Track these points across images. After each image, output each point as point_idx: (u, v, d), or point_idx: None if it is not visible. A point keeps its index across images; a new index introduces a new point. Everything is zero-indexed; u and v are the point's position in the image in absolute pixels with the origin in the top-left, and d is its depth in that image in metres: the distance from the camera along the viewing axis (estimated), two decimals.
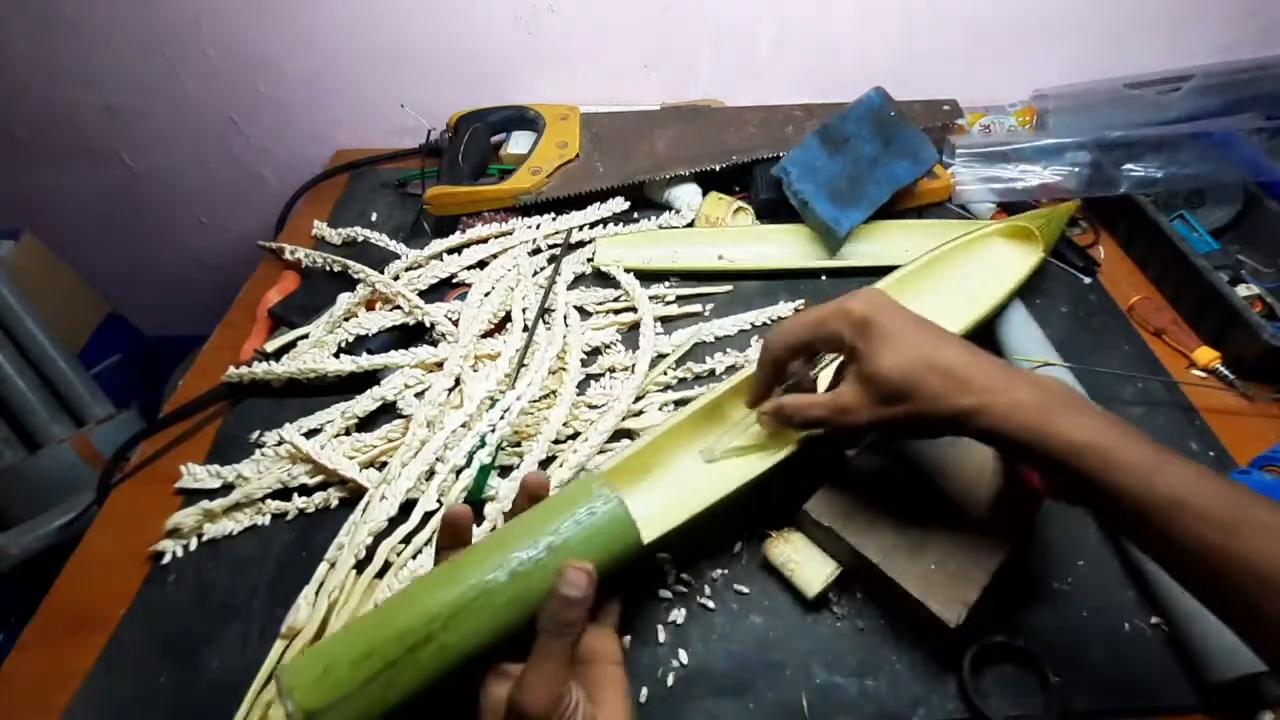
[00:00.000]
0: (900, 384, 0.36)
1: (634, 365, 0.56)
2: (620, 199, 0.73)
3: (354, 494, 0.49)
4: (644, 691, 0.40)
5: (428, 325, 0.60)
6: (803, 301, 0.64)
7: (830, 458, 0.47)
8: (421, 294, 0.63)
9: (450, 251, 0.67)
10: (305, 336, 0.60)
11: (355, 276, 0.63)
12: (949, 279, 0.58)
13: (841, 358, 0.41)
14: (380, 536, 0.45)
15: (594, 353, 0.59)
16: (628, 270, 0.65)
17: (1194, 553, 0.30)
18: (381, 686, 0.30)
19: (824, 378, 0.45)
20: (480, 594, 0.32)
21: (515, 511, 0.37)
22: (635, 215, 0.73)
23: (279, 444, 0.52)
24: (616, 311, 0.63)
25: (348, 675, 0.30)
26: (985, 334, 0.58)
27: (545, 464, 0.50)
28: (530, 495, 0.37)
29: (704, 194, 0.72)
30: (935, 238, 0.69)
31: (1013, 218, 0.62)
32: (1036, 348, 0.55)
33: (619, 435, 0.52)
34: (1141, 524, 0.32)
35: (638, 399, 0.54)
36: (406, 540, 0.45)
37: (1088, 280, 0.67)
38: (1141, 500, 0.31)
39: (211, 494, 0.49)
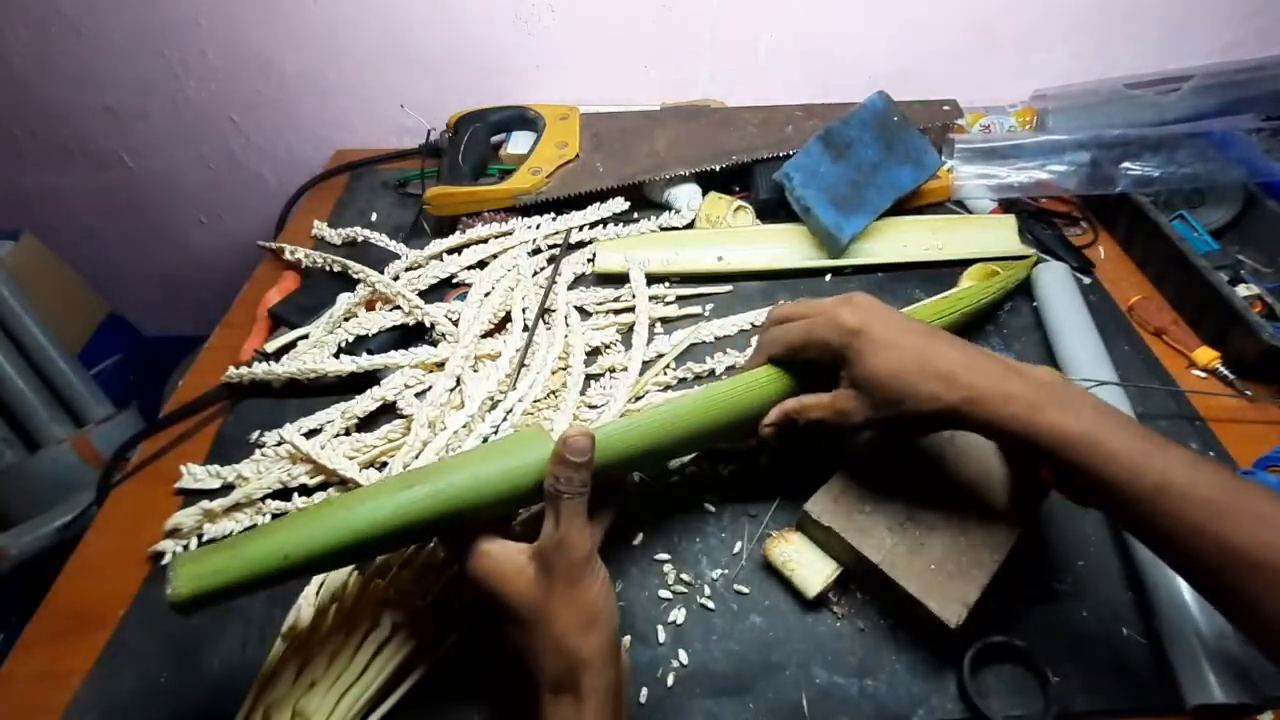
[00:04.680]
0: (893, 387, 0.37)
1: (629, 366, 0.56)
2: (620, 199, 0.73)
3: None
4: (644, 692, 0.40)
5: (428, 325, 0.60)
6: (802, 298, 0.64)
7: (829, 454, 0.47)
8: (421, 294, 0.63)
9: (450, 251, 0.67)
10: (305, 336, 0.60)
11: (355, 276, 0.63)
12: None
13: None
14: None
15: (594, 353, 0.59)
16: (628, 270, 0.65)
17: (1183, 538, 0.31)
18: (259, 533, 0.32)
19: None
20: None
21: None
22: (635, 215, 0.73)
23: (279, 444, 0.52)
24: (616, 312, 0.63)
25: (233, 539, 0.33)
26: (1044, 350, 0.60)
27: None
28: None
29: (704, 194, 0.72)
30: (934, 234, 0.69)
31: (978, 265, 0.64)
32: (1091, 365, 0.55)
33: None
34: (1134, 512, 0.33)
35: (638, 399, 0.55)
36: None
37: (1086, 280, 0.67)
38: (1132, 488, 0.32)
39: (211, 494, 0.49)
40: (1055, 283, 0.63)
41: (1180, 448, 0.33)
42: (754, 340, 0.59)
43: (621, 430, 0.39)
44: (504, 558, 0.34)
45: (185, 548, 0.47)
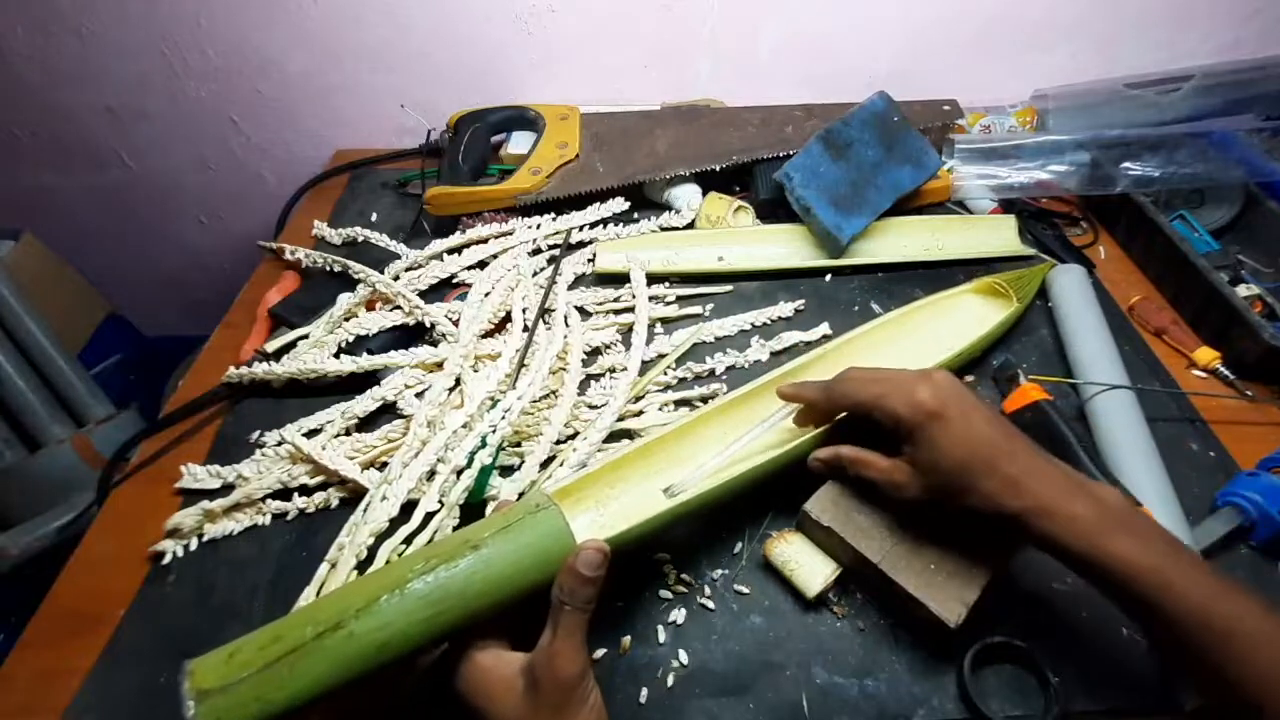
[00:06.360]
0: (956, 481, 0.37)
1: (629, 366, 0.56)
2: (620, 199, 0.73)
3: (354, 494, 0.49)
4: (644, 692, 0.40)
5: (428, 325, 0.60)
6: (803, 302, 0.64)
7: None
8: (421, 294, 0.63)
9: (450, 252, 0.67)
10: (305, 336, 0.60)
11: (355, 276, 0.63)
12: (923, 328, 0.58)
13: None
14: (382, 537, 0.45)
15: (594, 353, 0.59)
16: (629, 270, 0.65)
17: (1251, 686, 0.30)
18: (285, 670, 0.29)
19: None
20: (396, 586, 0.32)
21: None
22: (635, 215, 0.73)
23: (279, 444, 0.52)
24: (616, 312, 0.63)
25: (251, 659, 0.29)
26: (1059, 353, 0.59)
27: (545, 464, 0.50)
28: None
29: (704, 194, 0.72)
30: (934, 234, 0.69)
31: (985, 278, 0.61)
32: (1106, 371, 0.55)
33: (617, 435, 0.52)
34: (1197, 654, 0.32)
35: (638, 399, 0.55)
36: (408, 541, 0.45)
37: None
38: (1199, 630, 0.31)
39: (211, 494, 0.49)
40: (1073, 286, 0.62)
41: (1246, 592, 0.32)
42: (754, 341, 0.60)
43: (634, 527, 0.39)
44: (495, 672, 0.32)
45: (185, 548, 0.47)
